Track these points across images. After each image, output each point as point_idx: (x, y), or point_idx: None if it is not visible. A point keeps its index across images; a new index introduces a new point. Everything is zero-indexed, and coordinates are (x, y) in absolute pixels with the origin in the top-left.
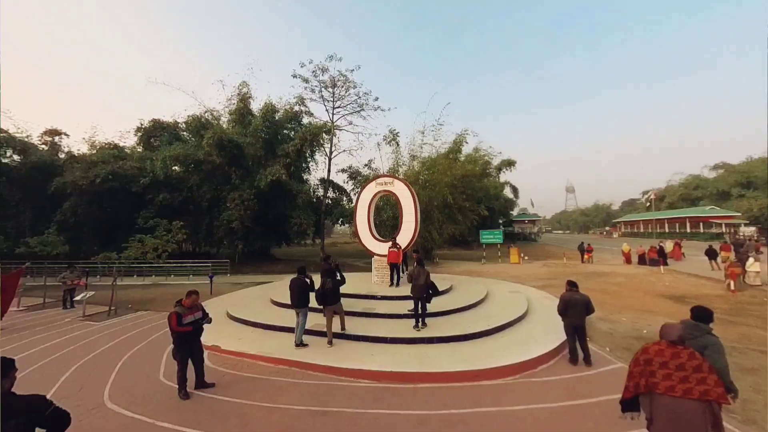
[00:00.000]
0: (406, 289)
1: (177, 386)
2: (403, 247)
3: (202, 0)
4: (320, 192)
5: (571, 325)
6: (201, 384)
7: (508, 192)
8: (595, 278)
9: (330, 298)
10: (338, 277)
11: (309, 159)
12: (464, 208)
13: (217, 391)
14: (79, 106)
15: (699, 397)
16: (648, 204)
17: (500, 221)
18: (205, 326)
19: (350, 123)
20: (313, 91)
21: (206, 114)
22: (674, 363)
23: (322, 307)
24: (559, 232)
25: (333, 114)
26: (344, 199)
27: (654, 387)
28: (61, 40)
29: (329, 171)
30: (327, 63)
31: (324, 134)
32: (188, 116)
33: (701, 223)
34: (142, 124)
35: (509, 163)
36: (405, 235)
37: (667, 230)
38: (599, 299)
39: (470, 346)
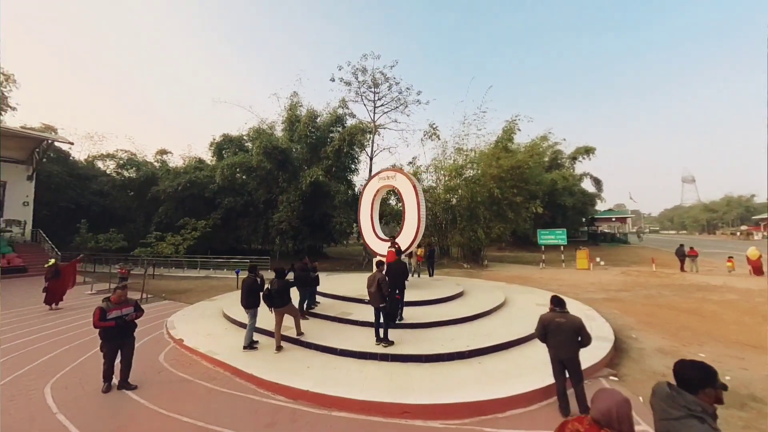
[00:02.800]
0: (409, 293)
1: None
2: (404, 248)
3: (251, 17)
4: None
5: (557, 358)
6: (123, 384)
7: (588, 185)
8: (691, 293)
9: (276, 300)
10: (290, 278)
11: (348, 160)
12: (516, 204)
13: (138, 391)
14: (181, 126)
15: None
16: None
17: (582, 219)
18: (185, 317)
19: (394, 121)
20: (357, 93)
21: (262, 125)
22: None
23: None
24: (671, 232)
25: (374, 113)
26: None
27: None
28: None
29: (371, 170)
30: (364, 62)
31: (361, 134)
32: (249, 128)
33: None
34: (214, 139)
35: (587, 151)
36: (407, 235)
37: None
38: (681, 322)
39: (431, 370)
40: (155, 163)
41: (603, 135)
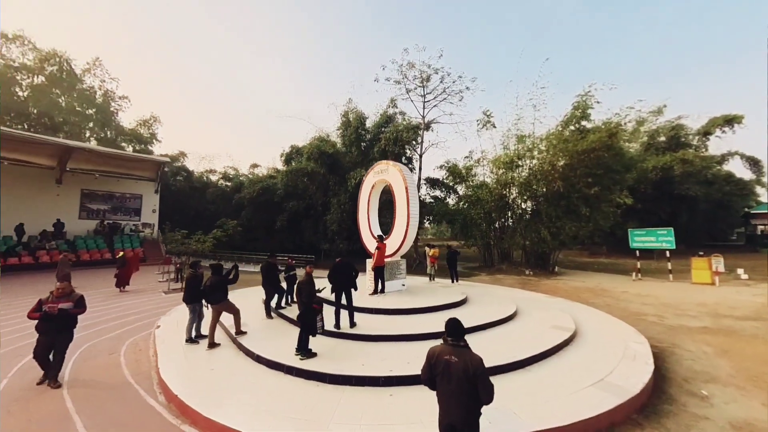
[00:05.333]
0: (395, 300)
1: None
2: (393, 250)
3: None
4: (420, 192)
5: (445, 421)
6: (50, 380)
7: (737, 167)
8: None
9: (210, 296)
10: (230, 275)
11: (394, 159)
12: (590, 197)
13: (53, 392)
14: (268, 141)
15: None
16: None
17: (732, 215)
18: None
19: (449, 114)
20: (407, 90)
21: (320, 133)
22: None
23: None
24: None
25: (424, 109)
26: (446, 196)
27: None
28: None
29: (420, 169)
30: (407, 57)
31: (406, 132)
32: (311, 138)
33: None
34: (284, 150)
35: (728, 121)
36: (395, 237)
37: None
38: None
39: (327, 394)
40: (248, 175)
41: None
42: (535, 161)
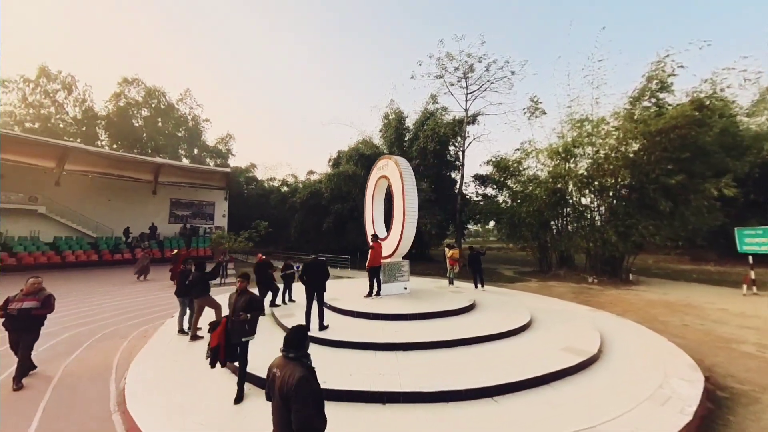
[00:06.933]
0: (386, 304)
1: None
2: (390, 251)
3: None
4: (469, 190)
5: None
6: (17, 375)
7: None
8: None
9: (192, 290)
10: (207, 270)
11: (432, 156)
12: (674, 190)
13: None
14: (323, 147)
15: None
16: None
17: None
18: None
19: (498, 104)
20: (451, 84)
21: (363, 136)
22: None
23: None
24: None
25: (467, 101)
26: (497, 193)
27: None
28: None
29: (463, 165)
30: (443, 48)
31: (444, 128)
32: (355, 141)
33: None
34: (331, 155)
35: None
36: (393, 237)
37: None
38: None
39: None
40: (304, 181)
41: None
42: (597, 148)
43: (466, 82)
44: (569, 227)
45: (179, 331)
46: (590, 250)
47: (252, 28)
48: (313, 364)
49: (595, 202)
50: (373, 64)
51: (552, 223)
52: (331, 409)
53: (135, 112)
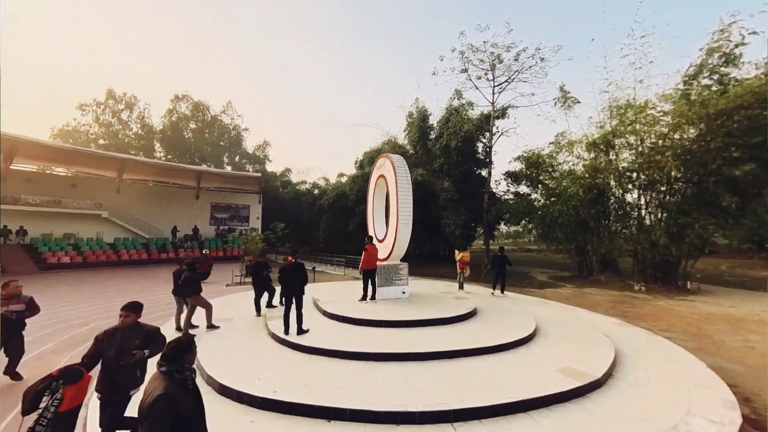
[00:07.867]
0: (378, 309)
1: None
2: (386, 254)
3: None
4: (500, 188)
5: None
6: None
7: None
8: None
9: (183, 290)
10: (198, 271)
11: (456, 154)
12: (741, 182)
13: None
14: (352, 150)
15: None
16: None
17: None
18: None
19: (530, 94)
20: (478, 78)
21: (388, 137)
22: None
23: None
24: None
25: (494, 94)
26: (531, 191)
27: None
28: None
29: (490, 161)
30: (464, 39)
31: (468, 124)
32: (381, 143)
33: None
34: (357, 157)
35: None
36: (388, 240)
37: None
38: None
39: None
40: (333, 183)
41: None
42: (641, 136)
43: (493, 74)
44: (612, 227)
45: (176, 329)
46: (637, 252)
47: (283, 42)
48: (298, 375)
49: (642, 199)
50: (399, 64)
51: (591, 222)
52: (266, 421)
53: (184, 125)
